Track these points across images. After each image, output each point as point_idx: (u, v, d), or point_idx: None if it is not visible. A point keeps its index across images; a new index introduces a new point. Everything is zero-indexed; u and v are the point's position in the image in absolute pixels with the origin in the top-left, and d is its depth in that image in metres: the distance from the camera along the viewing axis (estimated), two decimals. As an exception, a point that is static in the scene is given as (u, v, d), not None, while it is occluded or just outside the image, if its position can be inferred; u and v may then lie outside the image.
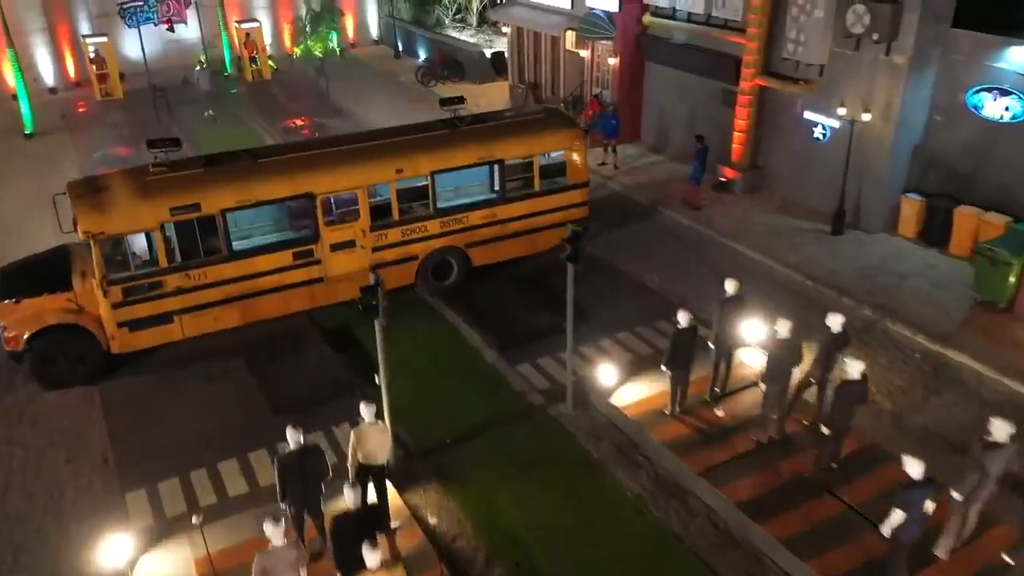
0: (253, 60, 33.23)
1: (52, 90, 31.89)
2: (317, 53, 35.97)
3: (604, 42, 23.82)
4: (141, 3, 33.44)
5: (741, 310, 12.03)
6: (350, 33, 38.46)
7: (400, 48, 36.84)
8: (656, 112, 23.70)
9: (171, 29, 32.45)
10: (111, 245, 13.18)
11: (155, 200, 13.32)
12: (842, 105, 17.29)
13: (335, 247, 14.85)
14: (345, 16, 37.71)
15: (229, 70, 34.04)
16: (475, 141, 15.85)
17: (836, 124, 18.11)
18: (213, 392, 13.38)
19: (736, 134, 20.33)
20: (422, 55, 35.94)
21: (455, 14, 40.80)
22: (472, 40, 35.69)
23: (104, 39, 30.46)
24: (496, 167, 15.98)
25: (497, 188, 16.19)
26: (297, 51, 36.16)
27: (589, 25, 23.51)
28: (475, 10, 39.91)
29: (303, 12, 36.53)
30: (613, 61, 23.63)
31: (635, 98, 24.06)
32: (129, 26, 33.94)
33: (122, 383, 13.69)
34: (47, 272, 13.79)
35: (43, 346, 13.10)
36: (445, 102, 16.99)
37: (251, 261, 14.19)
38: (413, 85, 32.36)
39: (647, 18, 22.72)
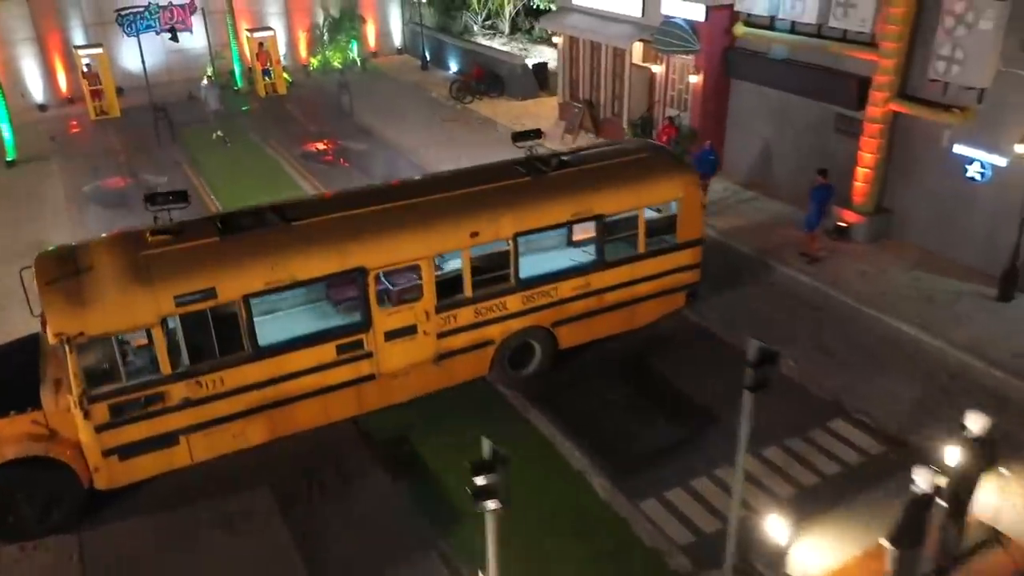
0: (266, 73, 29.72)
1: (42, 107, 28.41)
2: (336, 64, 32.59)
3: (683, 56, 20.24)
4: (141, 9, 30.00)
5: (990, 458, 8.44)
6: (371, 42, 34.94)
7: (427, 58, 33.29)
8: (744, 140, 20.12)
9: (174, 38, 28.88)
10: (94, 349, 9.62)
11: (155, 285, 9.77)
12: (1022, 141, 13.72)
13: (391, 335, 11.30)
14: (366, 23, 34.24)
15: (239, 84, 30.52)
16: (568, 192, 12.29)
17: (1001, 162, 14.53)
18: (233, 548, 9.80)
19: (860, 170, 16.74)
20: (453, 67, 32.39)
21: (484, 20, 37.34)
22: (503, 48, 32.16)
23: (98, 50, 26.96)
24: (594, 224, 12.43)
25: (594, 251, 12.63)
26: (314, 62, 32.74)
27: (666, 36, 19.94)
28: (507, 16, 36.43)
29: (320, 19, 33.09)
30: (695, 79, 20.06)
31: (718, 122, 20.51)
32: (128, 35, 30.51)
33: (110, 531, 10.12)
34: (6, 378, 10.21)
35: (0, 485, 9.55)
36: (520, 137, 13.46)
37: (282, 359, 10.64)
38: (447, 101, 28.81)
39: (739, 28, 19.14)
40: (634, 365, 13.19)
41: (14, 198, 20.96)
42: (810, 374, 12.75)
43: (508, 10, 36.38)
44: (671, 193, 12.95)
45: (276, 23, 31.92)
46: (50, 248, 11.01)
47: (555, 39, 25.00)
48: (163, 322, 9.73)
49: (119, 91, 27.93)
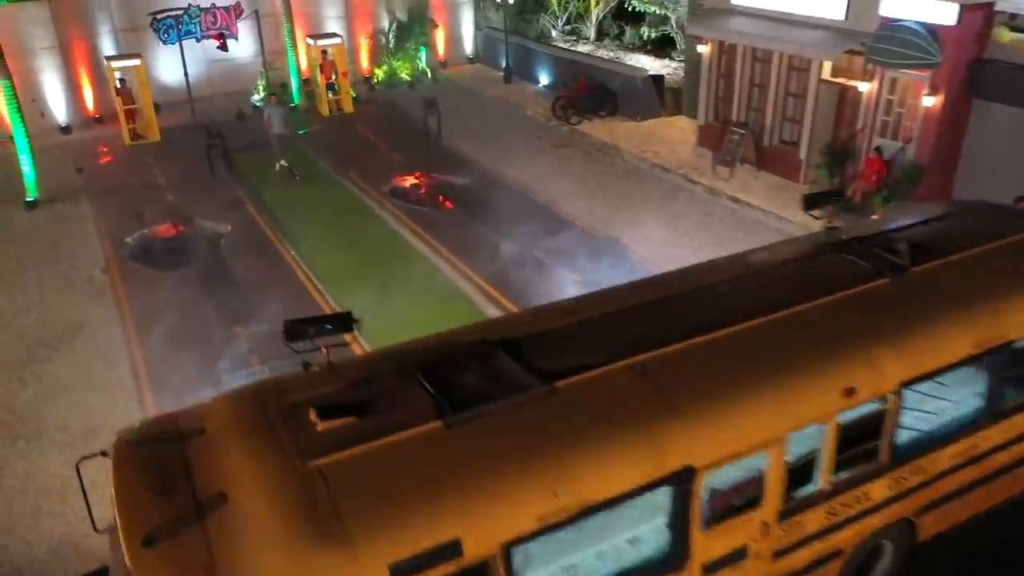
0: (330, 88, 25.00)
1: (64, 129, 23.72)
2: (404, 76, 27.88)
3: (911, 71, 15.49)
4: (180, 12, 25.39)
5: None
6: (439, 49, 30.22)
7: (510, 69, 28.55)
8: (984, 181, 15.35)
9: (223, 47, 24.28)
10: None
11: (353, 545, 4.99)
12: None
13: (711, 568, 6.55)
14: (438, 28, 29.52)
15: (296, 101, 25.80)
16: (959, 305, 7.54)
17: None
18: None
19: None
20: (543, 79, 27.65)
21: (565, 24, 32.62)
22: (603, 56, 27.42)
23: (135, 62, 22.29)
24: (992, 358, 7.66)
25: (983, 394, 7.86)
26: (378, 74, 28.03)
27: (890, 45, 15.20)
28: (594, 19, 31.70)
29: (385, 24, 28.40)
30: (931, 100, 15.29)
31: (950, 157, 15.80)
32: (165, 42, 25.91)
33: None
34: None
35: None
36: (815, 203, 8.81)
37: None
38: (548, 121, 24.07)
39: (1003, 34, 14.41)
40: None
41: (36, 255, 16.26)
42: None
43: (595, 12, 31.67)
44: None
45: (335, 29, 27.21)
46: (135, 436, 6.19)
47: (700, 48, 20.24)
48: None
49: (156, 108, 23.21)
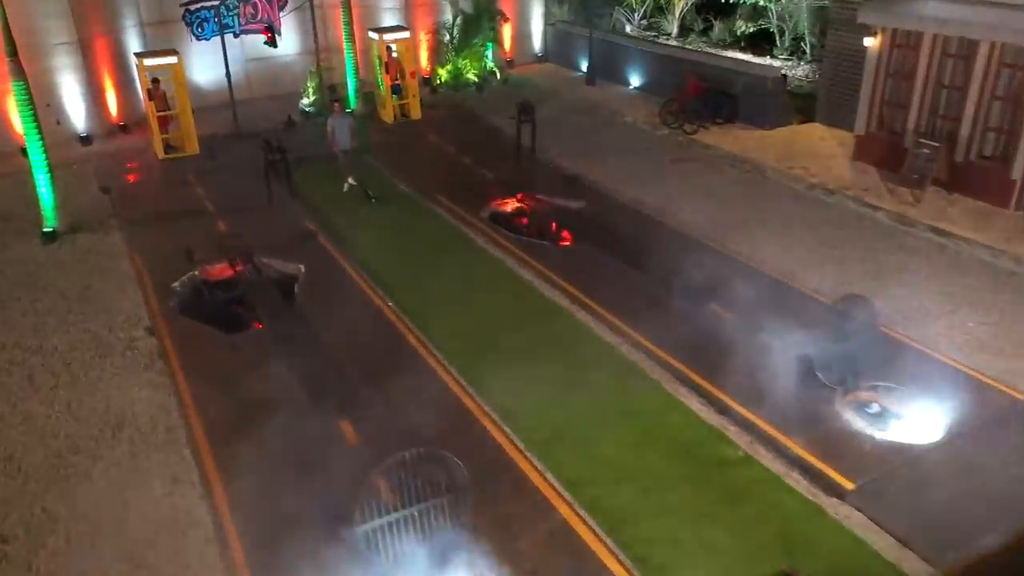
0: (396, 90, 21.30)
1: (84, 139, 20.02)
2: (470, 76, 24.18)
3: None
4: (216, 3, 21.75)
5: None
6: (505, 45, 26.52)
7: (593, 69, 24.84)
8: None
9: (271, 42, 20.60)
10: None
11: None
12: None
13: None
14: (507, 22, 25.82)
15: (353, 105, 22.10)
16: None
17: None
18: None
19: None
20: (634, 79, 23.97)
21: (643, 19, 28.98)
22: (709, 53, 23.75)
23: (172, 59, 18.50)
24: None
25: None
26: (442, 74, 24.32)
27: None
28: (677, 12, 28.02)
29: (448, 16, 24.73)
30: None
31: None
32: (198, 38, 22.28)
33: None
34: None
35: None
36: None
37: None
38: (656, 130, 20.39)
39: None
40: None
41: (59, 308, 12.54)
42: None
43: (679, 5, 27.96)
44: None
45: (391, 22, 23.49)
46: None
47: (867, 41, 16.52)
48: None
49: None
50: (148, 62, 18.18)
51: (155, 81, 18.51)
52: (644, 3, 28.66)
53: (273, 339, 11.42)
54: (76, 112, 20.04)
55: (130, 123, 20.96)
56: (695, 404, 9.89)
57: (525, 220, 15.78)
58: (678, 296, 11.96)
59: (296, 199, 16.23)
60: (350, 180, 16.85)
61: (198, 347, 11.28)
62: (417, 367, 10.75)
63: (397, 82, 21.15)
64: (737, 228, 14.72)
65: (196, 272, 13.45)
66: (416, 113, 21.57)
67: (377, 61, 21.09)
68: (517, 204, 16.23)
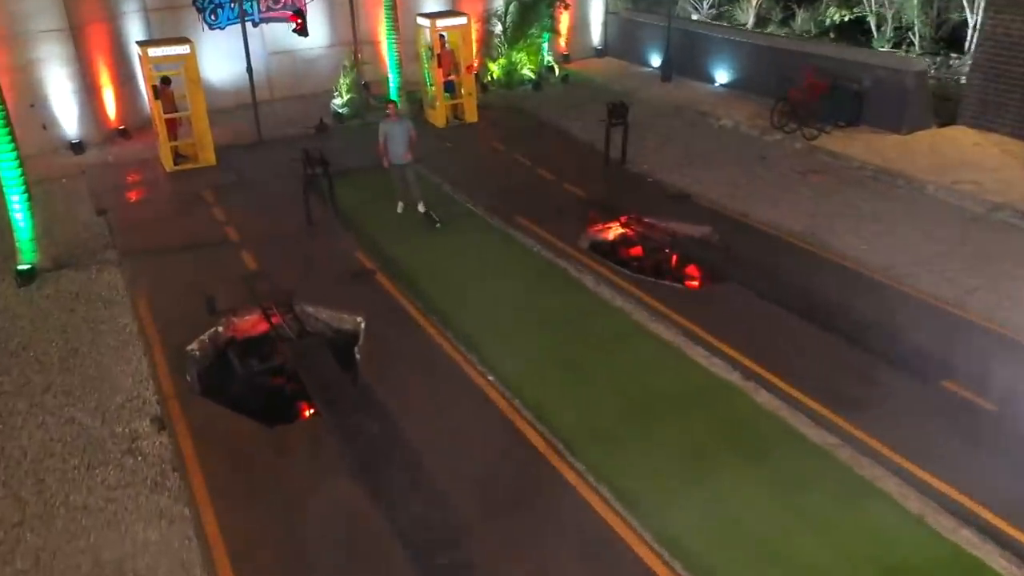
0: (448, 88, 17.86)
1: (76, 146, 16.60)
2: (526, 73, 20.78)
3: None
4: (232, -14, 18.44)
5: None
6: (561, 37, 23.07)
7: (669, 64, 21.40)
8: None
9: (301, 29, 17.17)
10: None
11: None
12: None
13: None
14: (567, 8, 22.37)
15: (397, 103, 18.65)
16: None
17: None
18: None
19: None
20: (721, 75, 20.53)
21: (711, 7, 25.59)
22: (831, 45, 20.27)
23: (184, 49, 14.98)
24: None
25: None
26: (493, 70, 20.89)
27: None
28: (753, 1, 24.60)
29: (498, 2, 21.35)
30: None
31: None
32: (211, 26, 18.94)
33: None
34: None
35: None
36: None
37: None
38: (764, 135, 16.96)
39: None
40: None
41: (34, 386, 9.09)
42: None
43: (758, -11, 24.52)
44: None
45: (435, 9, 20.05)
46: None
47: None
48: None
49: None
50: (154, 52, 14.72)
51: (164, 79, 15.05)
52: (715, -14, 25.27)
53: (335, 436, 7.97)
54: (67, 114, 16.62)
55: (132, 127, 17.54)
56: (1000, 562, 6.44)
57: (637, 251, 12.34)
58: (900, 369, 8.53)
59: (339, 220, 12.76)
60: (412, 204, 13.41)
61: (228, 450, 7.84)
62: (551, 485, 7.32)
63: (451, 78, 17.69)
64: (926, 265, 11.29)
65: (220, 328, 10.01)
66: (472, 115, 18.13)
67: (426, 53, 17.63)
68: (622, 230, 12.80)
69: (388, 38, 18.06)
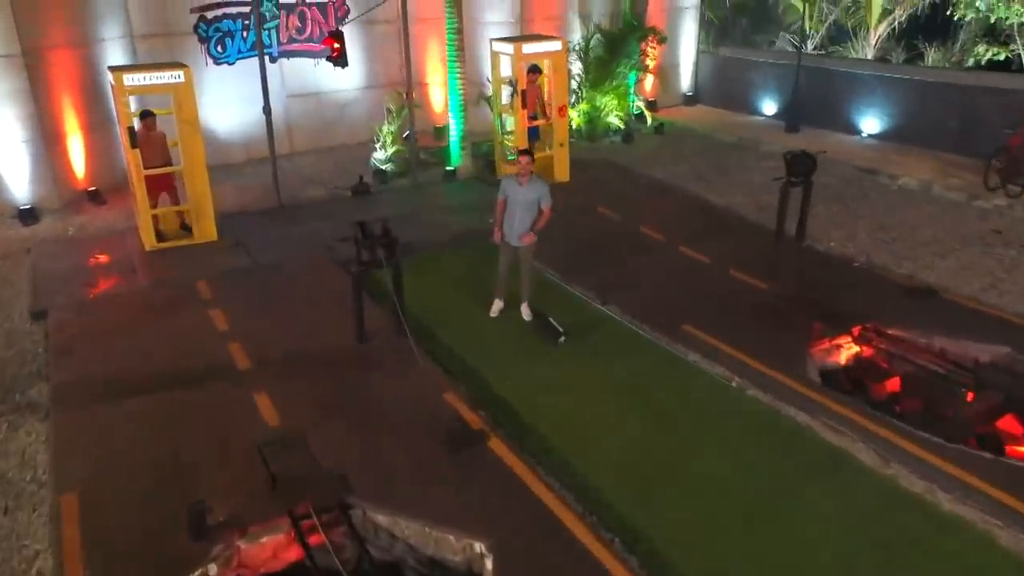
0: (533, 134, 13.29)
1: (26, 214, 11.98)
2: (614, 121, 16.32)
3: None
4: (245, 9, 14.14)
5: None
6: (647, 79, 18.67)
7: (797, 110, 16.94)
8: None
9: (338, 58, 12.52)
10: None
11: None
12: None
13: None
14: (662, 44, 17.94)
15: (457, 160, 14.11)
16: None
17: None
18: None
19: None
20: (870, 124, 16.03)
21: (818, 49, 21.34)
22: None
23: (175, 76, 10.32)
24: None
25: None
26: (575, 117, 16.39)
27: None
28: (875, 35, 20.34)
29: (576, 35, 17.05)
30: None
31: None
32: (217, 60, 14.59)
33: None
34: None
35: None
36: None
37: None
38: (973, 200, 12.28)
39: None
40: None
41: None
42: None
43: (876, 27, 20.23)
44: None
45: (497, 33, 15.59)
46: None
47: None
48: None
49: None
50: (132, 79, 10.14)
51: (146, 115, 10.49)
52: (824, 23, 21.02)
53: None
54: (15, 170, 12.05)
55: (107, 188, 12.99)
56: None
57: (894, 384, 7.55)
58: None
59: (407, 333, 7.91)
60: (511, 302, 8.71)
61: None
62: None
63: (537, 123, 13.16)
64: None
65: (214, 566, 5.18)
66: (563, 172, 13.53)
67: (512, 89, 13.05)
68: (856, 347, 8.02)
69: (451, 71, 13.59)
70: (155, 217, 10.66)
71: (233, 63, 14.87)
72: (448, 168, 14.05)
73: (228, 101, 14.50)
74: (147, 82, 10.13)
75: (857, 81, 16.18)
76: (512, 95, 12.81)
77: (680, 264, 10.16)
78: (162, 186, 10.76)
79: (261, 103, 12.01)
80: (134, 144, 10.11)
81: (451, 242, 10.90)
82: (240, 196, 12.74)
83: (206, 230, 10.93)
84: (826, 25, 20.89)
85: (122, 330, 8.48)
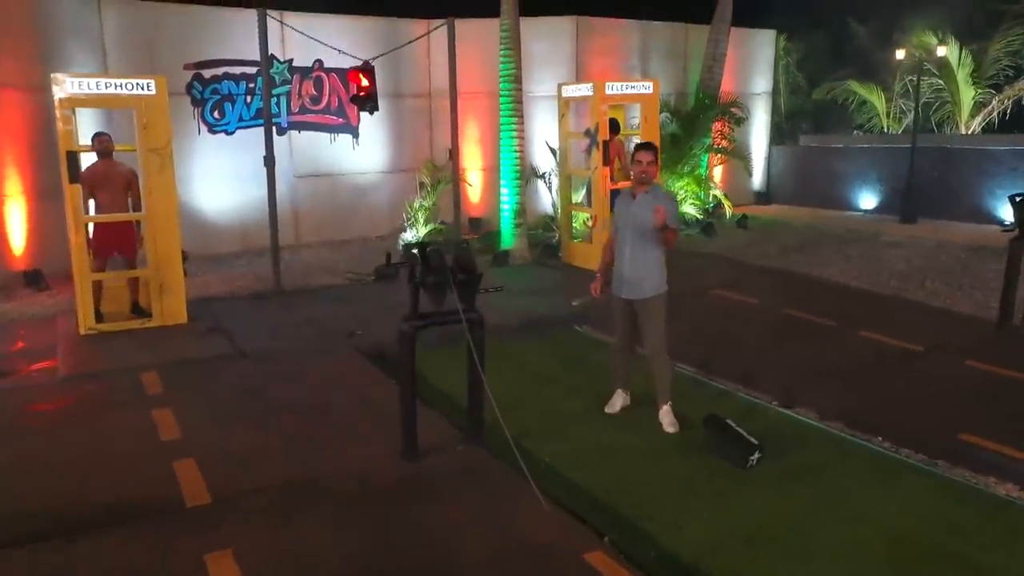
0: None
1: (-65, 300, 8.73)
2: (689, 211, 13.41)
3: None
4: (252, 69, 11.46)
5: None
6: (716, 169, 15.90)
7: (913, 197, 14.07)
8: None
9: (368, 96, 9.59)
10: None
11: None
12: None
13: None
14: (740, 123, 15.24)
15: (510, 242, 10.99)
16: None
17: None
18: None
19: None
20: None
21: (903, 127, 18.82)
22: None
23: (146, 87, 7.43)
24: None
25: None
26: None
27: None
28: (962, 116, 17.92)
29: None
30: None
31: None
32: (212, 128, 11.70)
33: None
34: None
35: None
36: None
37: None
38: None
39: None
40: None
41: None
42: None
43: (970, 119, 17.76)
44: None
45: (542, 117, 12.83)
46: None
47: None
48: None
49: (184, 256, 8.04)
50: (77, 86, 7.15)
51: (99, 137, 7.44)
52: (905, 116, 18.61)
53: None
54: (-75, 239, 8.89)
55: (52, 271, 9.73)
56: None
57: None
58: None
59: (512, 442, 4.41)
60: (630, 393, 5.29)
61: None
62: None
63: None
64: None
65: None
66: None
67: (591, 141, 10.10)
68: None
69: (505, 132, 10.70)
70: (97, 285, 7.35)
71: (232, 133, 12.10)
72: (499, 251, 10.93)
73: (222, 178, 11.70)
74: (102, 91, 7.14)
75: (987, 159, 13.34)
76: (591, 147, 9.85)
77: (878, 353, 6.77)
78: (117, 243, 7.53)
79: (262, 183, 9.10)
80: (74, 177, 6.97)
81: (522, 330, 7.60)
82: (227, 283, 9.56)
83: (172, 309, 7.61)
84: (905, 125, 18.45)
85: (5, 439, 4.98)
